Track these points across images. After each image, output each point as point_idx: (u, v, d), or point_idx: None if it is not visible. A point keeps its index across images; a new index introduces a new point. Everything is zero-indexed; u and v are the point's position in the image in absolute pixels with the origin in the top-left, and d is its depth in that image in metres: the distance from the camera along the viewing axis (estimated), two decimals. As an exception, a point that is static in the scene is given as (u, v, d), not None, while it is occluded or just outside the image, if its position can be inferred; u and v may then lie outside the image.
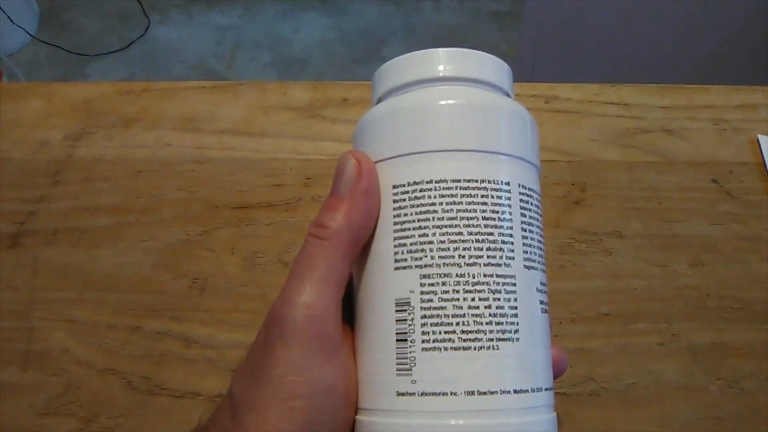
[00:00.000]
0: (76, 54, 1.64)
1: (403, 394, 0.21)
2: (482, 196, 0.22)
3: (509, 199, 0.23)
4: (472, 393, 0.21)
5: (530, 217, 0.23)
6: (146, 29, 1.70)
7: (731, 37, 0.99)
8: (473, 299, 0.21)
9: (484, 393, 0.21)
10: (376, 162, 0.24)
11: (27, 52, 1.65)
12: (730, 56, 1.01)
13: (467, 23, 1.73)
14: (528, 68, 1.11)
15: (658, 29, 1.00)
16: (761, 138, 0.45)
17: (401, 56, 0.25)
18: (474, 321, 0.21)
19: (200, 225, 0.41)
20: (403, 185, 0.23)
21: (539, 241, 0.24)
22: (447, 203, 0.22)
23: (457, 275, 0.22)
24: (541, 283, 0.24)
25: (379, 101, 0.26)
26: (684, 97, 0.48)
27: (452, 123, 0.23)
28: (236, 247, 0.40)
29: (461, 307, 0.21)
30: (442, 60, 0.24)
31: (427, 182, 0.22)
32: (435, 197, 0.22)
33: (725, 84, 0.49)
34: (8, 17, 1.52)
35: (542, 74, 1.10)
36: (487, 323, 0.21)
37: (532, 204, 0.24)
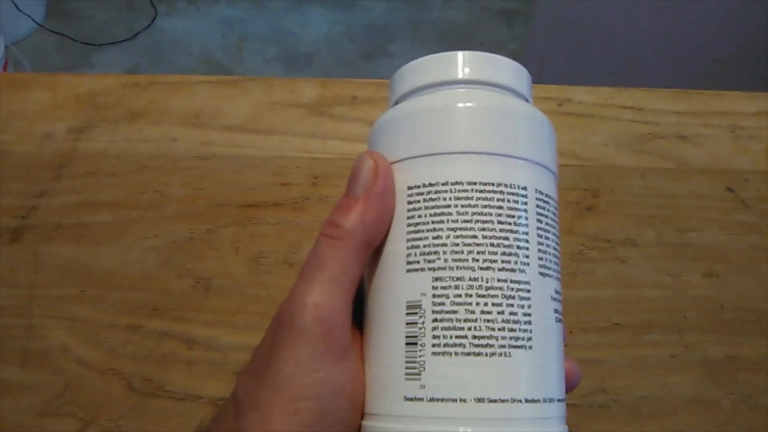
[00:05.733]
0: (82, 43, 1.64)
1: (411, 399, 0.21)
2: (498, 200, 0.22)
3: (526, 204, 0.22)
4: (482, 400, 0.20)
5: (546, 223, 0.23)
6: (153, 19, 1.70)
7: (751, 41, 0.98)
8: (486, 304, 0.21)
9: (495, 401, 0.20)
10: (392, 163, 0.23)
11: (33, 41, 1.64)
12: (748, 60, 1.00)
13: (475, 20, 1.72)
14: (536, 67, 1.11)
15: (672, 30, 0.99)
16: (778, 146, 0.44)
17: (420, 59, 0.25)
18: (486, 326, 0.21)
19: (205, 223, 0.40)
20: (418, 186, 0.22)
21: (555, 249, 0.24)
22: (462, 206, 0.22)
23: (470, 279, 0.21)
24: (556, 292, 0.23)
25: (396, 103, 0.25)
26: (700, 102, 0.47)
27: (469, 125, 0.23)
28: (241, 246, 0.39)
29: (473, 312, 0.21)
30: (461, 63, 0.24)
31: (443, 184, 0.22)
32: (450, 199, 0.22)
33: (742, 86, 0.48)
34: (15, 5, 1.51)
35: (551, 74, 1.09)
36: (499, 329, 0.21)
37: (548, 211, 0.23)
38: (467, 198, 0.22)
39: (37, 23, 1.63)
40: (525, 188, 0.22)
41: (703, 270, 0.39)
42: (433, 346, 0.21)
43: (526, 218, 0.22)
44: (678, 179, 0.43)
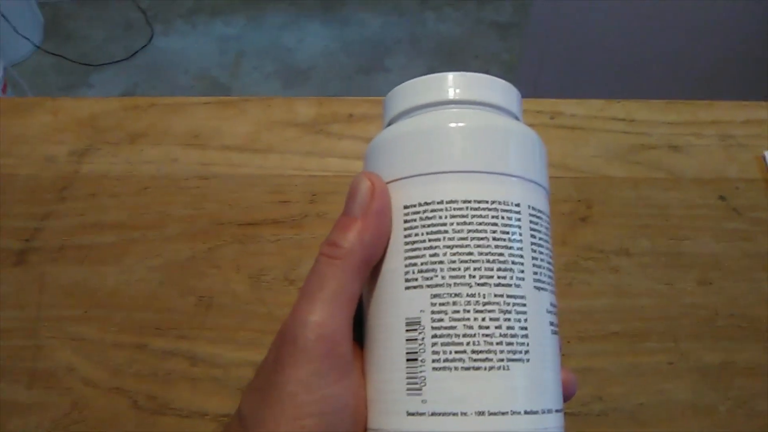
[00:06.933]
0: (80, 64, 1.65)
1: (413, 414, 0.21)
2: (493, 217, 0.22)
3: (519, 220, 0.23)
4: (482, 413, 0.21)
5: (540, 238, 0.23)
6: (150, 39, 1.71)
7: (739, 51, 0.99)
8: (484, 319, 0.21)
9: (495, 413, 0.21)
10: (387, 182, 0.24)
11: (32, 62, 1.65)
12: (736, 70, 1.01)
13: (470, 33, 1.73)
14: (531, 78, 1.12)
15: (664, 41, 1.00)
16: (767, 155, 0.45)
17: (412, 80, 0.25)
18: (484, 341, 0.21)
19: (206, 242, 0.41)
20: (414, 205, 0.23)
21: (549, 263, 0.24)
22: (458, 223, 0.22)
23: (467, 295, 0.22)
24: (551, 305, 0.24)
25: (390, 123, 0.26)
26: (690, 112, 0.48)
27: (463, 145, 0.23)
28: (242, 264, 0.40)
29: (472, 327, 0.21)
30: (453, 84, 0.25)
31: (438, 203, 0.22)
32: (446, 217, 0.22)
33: (732, 97, 0.49)
34: (13, 27, 1.52)
35: (545, 85, 1.10)
36: (497, 343, 0.21)
37: (541, 225, 0.24)
38: (462, 216, 0.22)
39: (36, 45, 1.65)
40: (518, 205, 0.23)
41: (696, 278, 0.40)
42: (434, 361, 0.21)
43: (520, 234, 0.23)
44: (670, 189, 0.44)
